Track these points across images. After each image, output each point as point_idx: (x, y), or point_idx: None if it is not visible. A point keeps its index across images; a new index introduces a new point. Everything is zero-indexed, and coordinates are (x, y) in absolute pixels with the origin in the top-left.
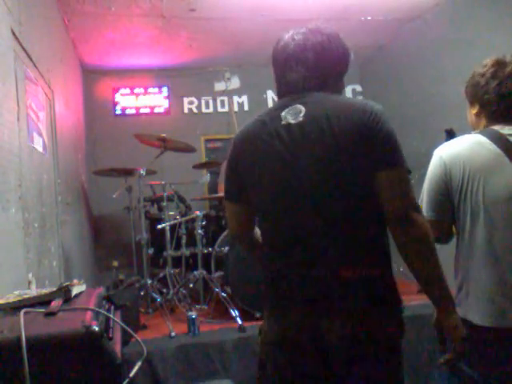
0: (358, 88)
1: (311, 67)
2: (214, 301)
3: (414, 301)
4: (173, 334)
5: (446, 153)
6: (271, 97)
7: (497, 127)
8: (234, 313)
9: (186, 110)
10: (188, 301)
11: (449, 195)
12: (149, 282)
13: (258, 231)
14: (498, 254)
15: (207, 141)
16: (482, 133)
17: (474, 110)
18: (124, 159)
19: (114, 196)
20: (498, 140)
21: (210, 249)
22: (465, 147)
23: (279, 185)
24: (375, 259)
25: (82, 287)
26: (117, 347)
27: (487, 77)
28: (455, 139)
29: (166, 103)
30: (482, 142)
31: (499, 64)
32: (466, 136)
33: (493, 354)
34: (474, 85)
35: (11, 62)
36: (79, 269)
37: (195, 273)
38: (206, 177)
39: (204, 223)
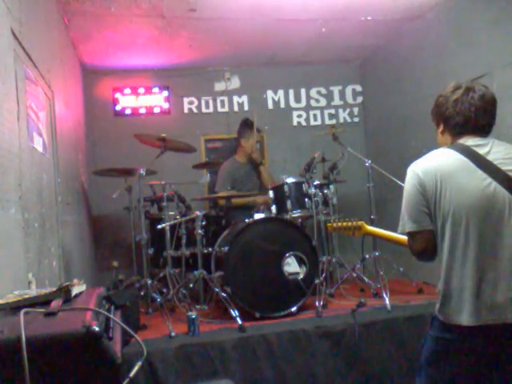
0: (358, 88)
1: None
2: (214, 301)
3: (414, 301)
4: (173, 334)
5: (418, 167)
6: (271, 97)
7: (461, 141)
8: (234, 313)
9: (186, 110)
10: (188, 301)
11: (426, 206)
12: (149, 281)
13: None
14: (471, 254)
15: (207, 141)
16: (448, 146)
17: (440, 129)
18: (124, 159)
19: (114, 196)
20: (464, 150)
21: (210, 249)
22: (435, 160)
23: None
24: None
25: (82, 287)
26: (117, 347)
27: (447, 96)
28: (426, 155)
29: (165, 103)
30: (449, 154)
31: (456, 87)
32: (435, 151)
33: (475, 351)
34: (437, 105)
35: (11, 62)
36: (79, 269)
37: (195, 273)
38: (206, 177)
39: (204, 223)
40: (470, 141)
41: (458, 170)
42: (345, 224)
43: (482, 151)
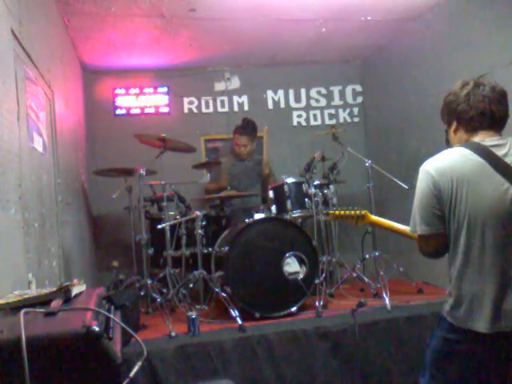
0: (358, 88)
1: None
2: (214, 301)
3: (414, 301)
4: (173, 334)
5: (432, 167)
6: (271, 97)
7: (477, 139)
8: (234, 313)
9: (186, 110)
10: (188, 301)
11: (440, 208)
12: (149, 282)
13: None
14: (488, 261)
15: (207, 141)
16: (464, 145)
17: (453, 127)
18: (124, 159)
19: (114, 196)
20: (481, 151)
21: (210, 249)
22: (450, 160)
23: None
24: None
25: (82, 287)
26: (117, 347)
27: (457, 92)
28: (439, 154)
29: (165, 103)
30: (465, 154)
31: (464, 83)
32: (449, 150)
33: (483, 356)
34: (448, 103)
35: (11, 62)
36: (79, 269)
37: (195, 273)
38: (205, 177)
39: (204, 223)
40: (486, 140)
41: (474, 174)
42: (348, 212)
43: (499, 152)
